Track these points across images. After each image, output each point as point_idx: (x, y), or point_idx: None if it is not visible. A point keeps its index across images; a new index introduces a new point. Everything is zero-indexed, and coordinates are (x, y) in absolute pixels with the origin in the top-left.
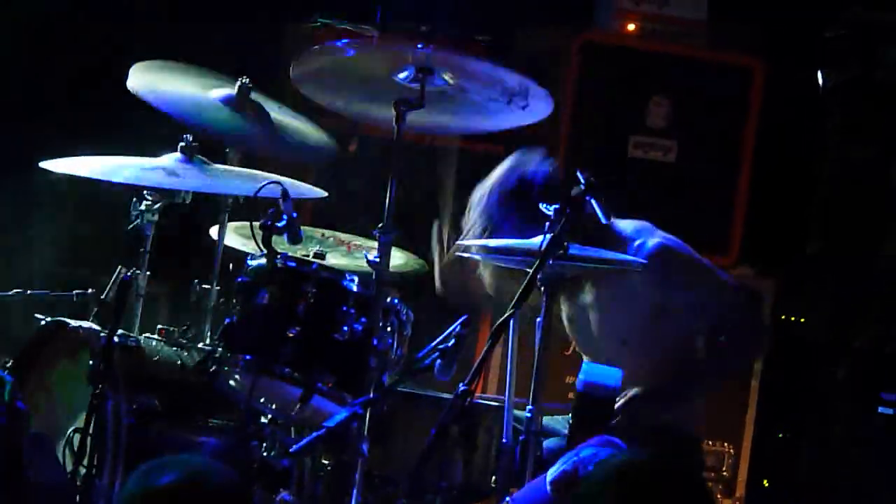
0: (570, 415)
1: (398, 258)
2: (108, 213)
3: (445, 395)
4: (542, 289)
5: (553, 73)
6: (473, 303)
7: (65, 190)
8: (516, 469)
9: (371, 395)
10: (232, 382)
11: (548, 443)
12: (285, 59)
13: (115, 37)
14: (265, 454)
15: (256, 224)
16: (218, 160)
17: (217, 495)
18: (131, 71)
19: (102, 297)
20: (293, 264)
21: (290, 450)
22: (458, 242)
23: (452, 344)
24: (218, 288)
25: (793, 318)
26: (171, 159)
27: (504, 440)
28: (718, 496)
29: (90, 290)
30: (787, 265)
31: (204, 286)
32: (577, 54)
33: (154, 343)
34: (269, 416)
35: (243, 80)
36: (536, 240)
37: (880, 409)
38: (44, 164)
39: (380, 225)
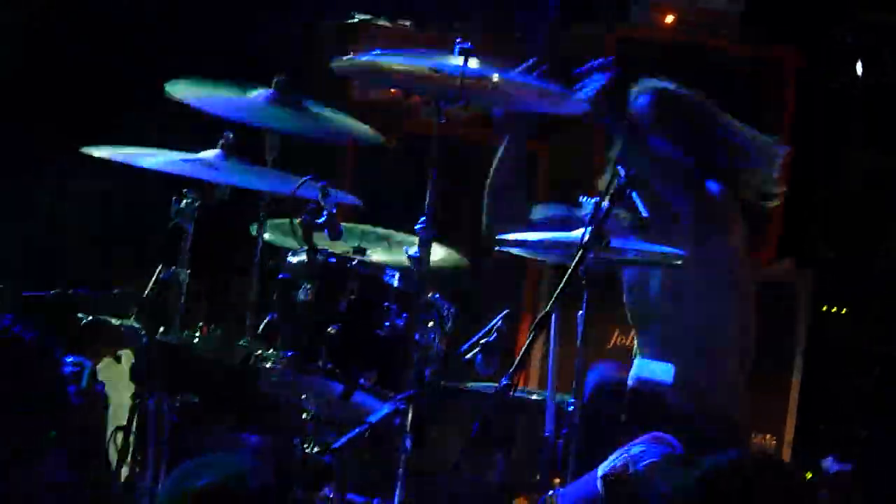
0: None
1: (439, 253)
2: (148, 211)
3: (487, 389)
4: (584, 282)
5: None
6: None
7: (105, 189)
8: (559, 463)
9: (413, 390)
10: (273, 379)
11: None
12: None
13: (157, 33)
14: (307, 451)
15: (296, 220)
16: (256, 159)
17: (253, 497)
18: (167, 86)
19: (143, 295)
20: (334, 260)
21: (333, 446)
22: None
23: (494, 338)
24: (258, 285)
25: (833, 310)
26: (210, 155)
27: (546, 434)
28: None
29: (131, 289)
30: (826, 258)
31: (244, 283)
32: (613, 48)
33: (195, 341)
34: (311, 412)
35: (280, 77)
36: (577, 233)
37: None
38: (85, 150)
39: (420, 220)
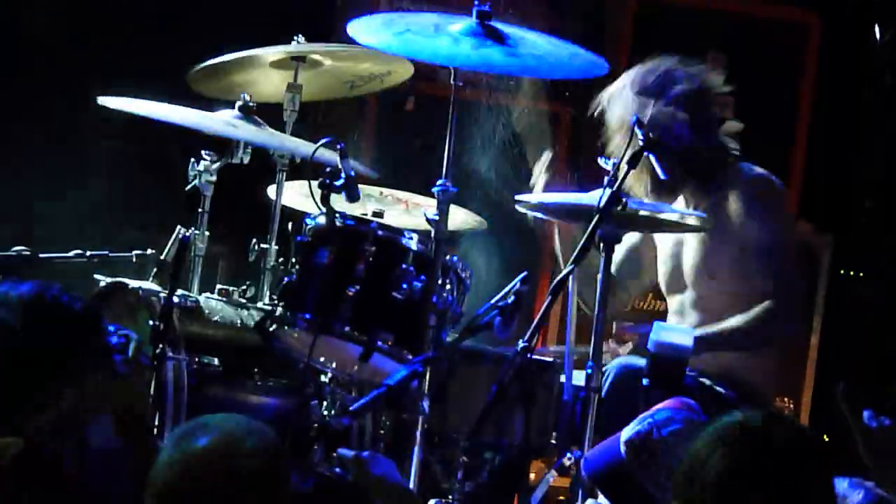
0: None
1: (457, 216)
2: (167, 173)
3: (505, 352)
4: (601, 246)
5: (609, 31)
6: None
7: (123, 150)
8: (576, 426)
9: (431, 352)
10: (291, 342)
11: None
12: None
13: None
14: (325, 413)
15: (314, 183)
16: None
17: (253, 457)
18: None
19: (161, 257)
20: (352, 223)
21: (351, 408)
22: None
23: (512, 301)
24: (277, 247)
25: (851, 273)
26: (228, 115)
27: (564, 397)
28: None
29: (149, 251)
30: (845, 221)
31: (262, 246)
32: (633, 12)
33: (213, 303)
34: (329, 374)
35: (298, 39)
36: (595, 194)
37: None
38: (102, 100)
39: (438, 182)
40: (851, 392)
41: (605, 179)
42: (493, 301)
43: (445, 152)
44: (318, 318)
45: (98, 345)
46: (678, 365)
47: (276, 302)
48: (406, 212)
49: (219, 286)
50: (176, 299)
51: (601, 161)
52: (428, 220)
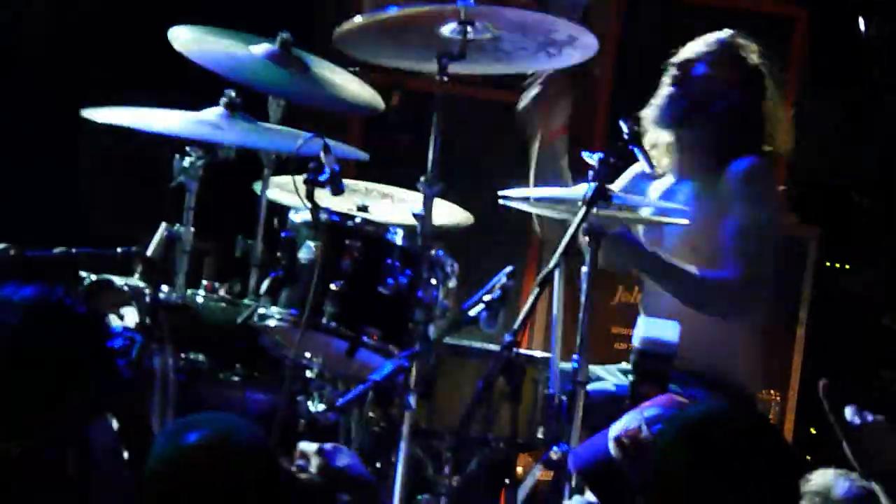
0: (631, 370)
1: (442, 211)
2: (152, 169)
3: (492, 347)
4: (587, 239)
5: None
6: None
7: (108, 146)
8: (563, 421)
9: (417, 347)
10: (278, 337)
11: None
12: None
13: None
14: (312, 409)
15: (299, 178)
16: (259, 117)
17: (243, 452)
18: (170, 33)
19: (147, 254)
20: (337, 218)
21: (337, 404)
22: None
23: (498, 295)
24: (262, 243)
25: (837, 266)
26: (213, 114)
27: (551, 391)
28: None
29: (134, 247)
30: (832, 213)
31: (248, 241)
32: (621, 4)
33: (200, 299)
34: (316, 370)
35: (284, 35)
36: (580, 188)
37: None
38: (86, 113)
39: (424, 177)
40: (834, 388)
41: (590, 174)
42: (479, 295)
43: (431, 147)
44: (304, 314)
45: (101, 347)
46: (665, 360)
47: (262, 298)
48: (392, 207)
49: (205, 282)
50: (162, 296)
51: (585, 155)
52: (413, 215)
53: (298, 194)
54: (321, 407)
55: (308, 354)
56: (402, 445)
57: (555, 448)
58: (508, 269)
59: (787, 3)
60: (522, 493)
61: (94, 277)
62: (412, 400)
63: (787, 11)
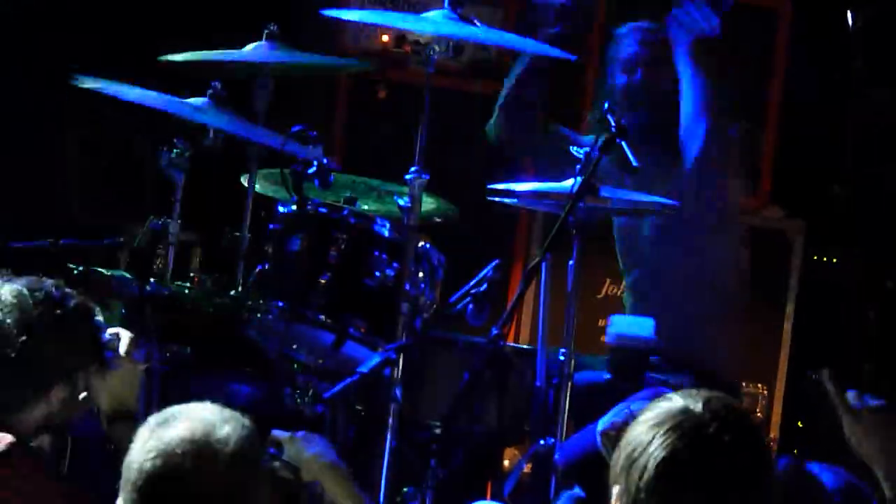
0: (607, 368)
1: (429, 203)
2: (138, 161)
3: (478, 340)
4: (574, 232)
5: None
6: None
7: (94, 138)
8: (549, 413)
9: (403, 340)
10: (264, 330)
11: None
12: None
13: None
14: (298, 401)
15: (286, 170)
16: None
17: (229, 443)
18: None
19: (134, 245)
20: (324, 210)
21: (324, 396)
22: None
23: (484, 288)
24: (249, 235)
25: (824, 259)
26: (198, 102)
27: (537, 384)
28: None
29: (120, 239)
30: (816, 206)
31: (235, 234)
32: None
33: (186, 291)
34: (302, 362)
35: (271, 27)
36: (567, 183)
37: None
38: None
39: (411, 170)
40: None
41: (577, 167)
42: (465, 288)
43: (418, 139)
44: (291, 306)
45: (90, 341)
46: (640, 357)
47: (248, 290)
48: (378, 199)
49: (192, 274)
50: (148, 287)
51: (573, 150)
52: (400, 207)
53: (286, 187)
54: (307, 399)
55: (294, 346)
56: (388, 437)
57: (542, 441)
58: (495, 262)
59: None
60: (508, 485)
61: (80, 268)
62: (399, 392)
63: (771, 4)
